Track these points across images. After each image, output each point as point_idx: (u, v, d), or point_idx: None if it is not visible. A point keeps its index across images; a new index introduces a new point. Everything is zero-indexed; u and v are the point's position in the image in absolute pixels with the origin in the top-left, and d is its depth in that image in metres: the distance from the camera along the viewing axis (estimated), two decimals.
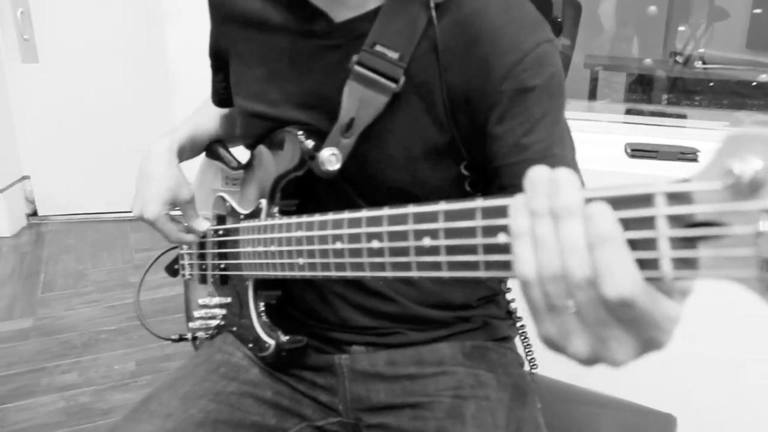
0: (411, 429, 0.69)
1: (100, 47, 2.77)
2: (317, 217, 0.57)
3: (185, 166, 0.81)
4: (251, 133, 0.75)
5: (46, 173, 2.90)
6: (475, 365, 0.72)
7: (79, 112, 2.84)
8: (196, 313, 0.86)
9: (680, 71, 1.98)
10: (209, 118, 0.87)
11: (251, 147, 0.78)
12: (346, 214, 0.53)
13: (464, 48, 0.61)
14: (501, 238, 0.38)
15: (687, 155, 1.25)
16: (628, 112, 1.87)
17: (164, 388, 0.73)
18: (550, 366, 0.79)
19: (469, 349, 0.74)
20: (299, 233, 0.60)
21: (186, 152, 0.82)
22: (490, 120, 0.61)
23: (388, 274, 0.48)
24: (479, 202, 0.40)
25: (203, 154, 0.88)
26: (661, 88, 2.01)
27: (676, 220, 0.31)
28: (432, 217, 0.43)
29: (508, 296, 0.80)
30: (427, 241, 0.44)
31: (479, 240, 0.40)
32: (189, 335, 0.88)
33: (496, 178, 0.63)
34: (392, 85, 0.62)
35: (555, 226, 0.34)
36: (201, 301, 0.84)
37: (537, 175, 0.35)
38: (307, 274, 0.59)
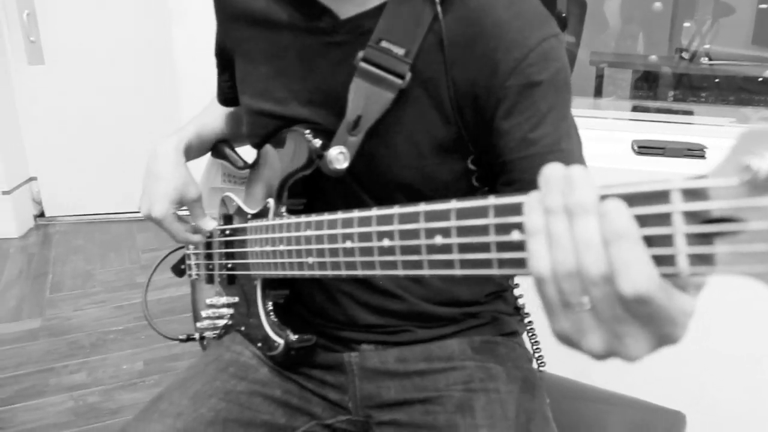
0: (422, 424, 0.69)
1: (106, 48, 2.78)
2: (326, 216, 0.57)
3: (191, 166, 0.81)
4: (258, 131, 0.75)
5: (53, 174, 2.91)
6: (484, 359, 0.72)
7: (86, 113, 2.84)
8: (204, 313, 0.86)
9: (686, 67, 1.97)
10: (215, 117, 0.87)
11: (258, 146, 0.78)
12: (356, 213, 0.53)
13: (470, 43, 0.61)
14: (515, 236, 0.38)
15: (694, 152, 1.24)
16: (635, 109, 1.86)
17: (174, 387, 0.73)
18: (557, 363, 0.79)
19: (478, 344, 0.74)
20: (308, 232, 0.60)
21: (193, 151, 0.82)
22: (497, 115, 0.61)
23: (400, 272, 0.48)
24: (492, 200, 0.40)
25: (208, 154, 0.88)
26: (667, 85, 2.01)
27: (692, 216, 0.31)
28: (444, 215, 0.43)
29: (516, 292, 0.80)
30: (438, 239, 0.44)
31: (492, 238, 0.40)
32: (196, 335, 0.88)
33: (503, 173, 0.63)
34: (398, 81, 0.62)
35: (570, 223, 0.34)
36: (208, 301, 0.84)
37: (551, 173, 0.35)
38: (317, 273, 0.59)
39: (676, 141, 1.29)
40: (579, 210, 0.34)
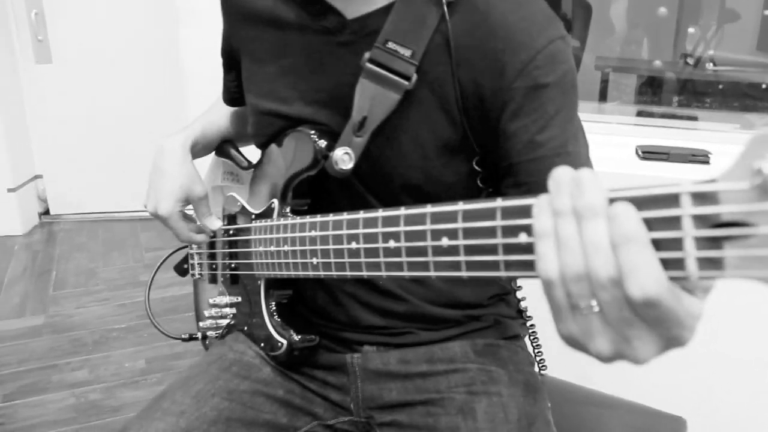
0: (423, 425, 0.69)
1: (114, 48, 2.79)
2: (331, 217, 0.57)
3: (196, 165, 0.81)
4: (263, 131, 0.75)
5: (59, 172, 2.92)
6: (486, 362, 0.72)
7: (92, 112, 2.85)
8: (206, 313, 0.86)
9: (691, 73, 1.97)
10: (221, 116, 0.87)
11: (263, 146, 0.78)
12: (362, 214, 0.52)
13: (477, 45, 0.61)
14: (522, 238, 0.38)
15: (698, 157, 1.24)
16: (639, 114, 1.86)
17: (177, 386, 0.73)
18: (559, 367, 0.79)
19: (480, 346, 0.74)
20: (313, 233, 0.60)
21: (199, 149, 0.82)
22: (503, 117, 0.61)
23: (406, 274, 0.48)
24: (499, 202, 0.40)
25: (212, 154, 0.88)
26: (671, 90, 2.01)
27: (701, 220, 0.31)
28: (450, 217, 0.43)
29: (519, 295, 0.80)
30: (445, 241, 0.43)
31: (499, 240, 0.40)
32: (199, 334, 0.88)
33: (509, 175, 0.63)
34: (405, 82, 0.62)
35: (579, 226, 0.34)
36: (211, 301, 0.84)
37: (561, 175, 0.35)
38: (321, 273, 0.59)
39: (681, 146, 1.28)
40: (588, 213, 0.34)
